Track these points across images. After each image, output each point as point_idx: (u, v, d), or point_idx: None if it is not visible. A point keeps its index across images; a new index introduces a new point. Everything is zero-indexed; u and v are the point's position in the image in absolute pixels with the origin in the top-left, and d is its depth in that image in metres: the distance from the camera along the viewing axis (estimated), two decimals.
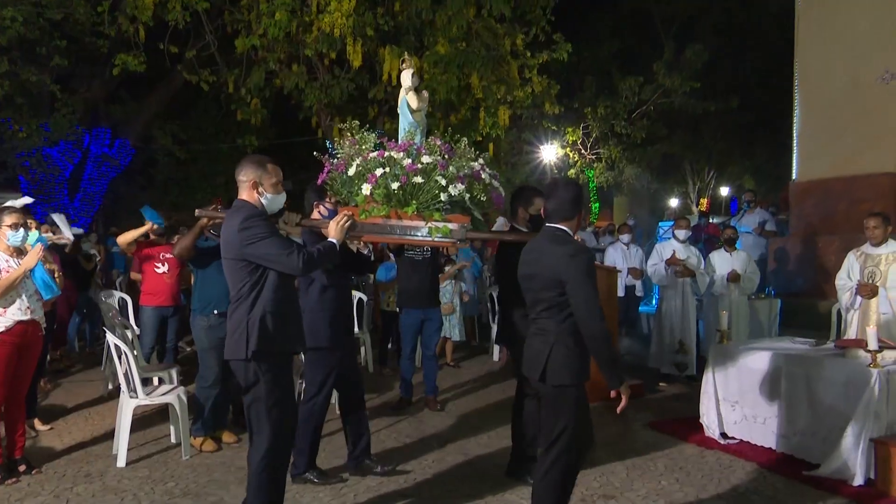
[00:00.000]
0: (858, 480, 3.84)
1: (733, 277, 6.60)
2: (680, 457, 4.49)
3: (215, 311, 4.51)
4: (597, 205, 19.85)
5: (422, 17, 10.85)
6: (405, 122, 3.79)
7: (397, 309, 6.11)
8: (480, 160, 3.63)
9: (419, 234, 3.48)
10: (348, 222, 3.28)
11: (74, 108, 12.41)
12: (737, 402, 4.72)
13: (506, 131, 14.35)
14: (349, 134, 3.67)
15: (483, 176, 3.58)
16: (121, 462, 4.31)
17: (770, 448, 4.46)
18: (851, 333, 5.05)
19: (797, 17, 8.36)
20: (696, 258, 6.72)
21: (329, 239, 3.24)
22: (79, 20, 10.69)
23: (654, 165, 21.23)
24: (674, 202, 23.88)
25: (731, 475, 4.15)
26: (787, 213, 9.75)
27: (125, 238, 5.69)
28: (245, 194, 3.13)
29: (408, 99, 3.80)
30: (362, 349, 7.49)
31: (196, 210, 4.44)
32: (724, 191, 25.11)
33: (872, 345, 3.94)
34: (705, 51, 17.77)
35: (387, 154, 3.47)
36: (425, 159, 3.45)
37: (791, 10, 8.47)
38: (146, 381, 4.98)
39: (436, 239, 3.49)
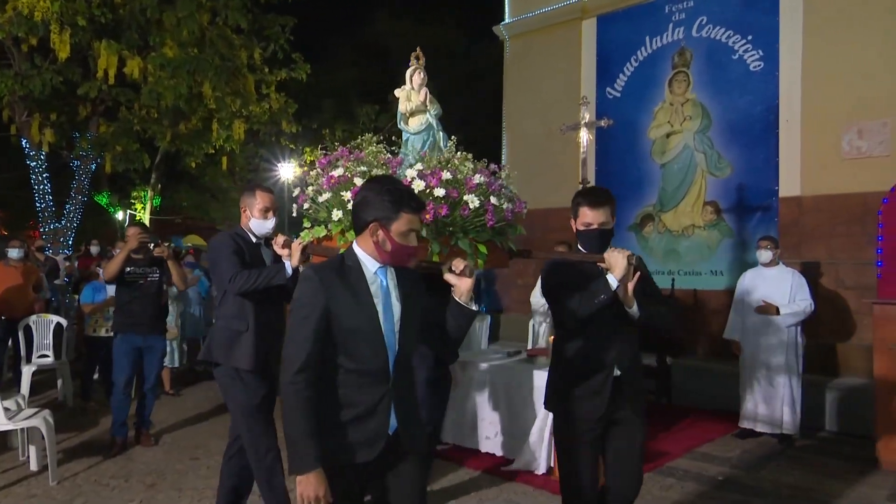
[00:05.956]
0: (542, 469, 4.51)
1: None
2: None
3: None
4: None
5: (147, 15, 10.00)
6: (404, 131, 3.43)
7: (111, 334, 5.42)
8: (419, 165, 3.11)
9: None
10: (304, 244, 3.18)
11: None
12: (450, 409, 5.18)
13: (241, 146, 13.89)
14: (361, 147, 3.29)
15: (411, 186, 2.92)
16: None
17: (477, 450, 4.99)
18: (542, 343, 5.94)
19: (505, 71, 9.66)
20: None
21: (284, 261, 3.16)
22: None
23: None
24: None
25: (442, 477, 4.53)
26: None
27: None
28: (241, 218, 3.42)
29: (400, 100, 3.45)
30: (59, 382, 6.53)
31: None
32: None
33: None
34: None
35: (313, 172, 3.25)
36: (336, 172, 3.12)
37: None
38: None
39: None
